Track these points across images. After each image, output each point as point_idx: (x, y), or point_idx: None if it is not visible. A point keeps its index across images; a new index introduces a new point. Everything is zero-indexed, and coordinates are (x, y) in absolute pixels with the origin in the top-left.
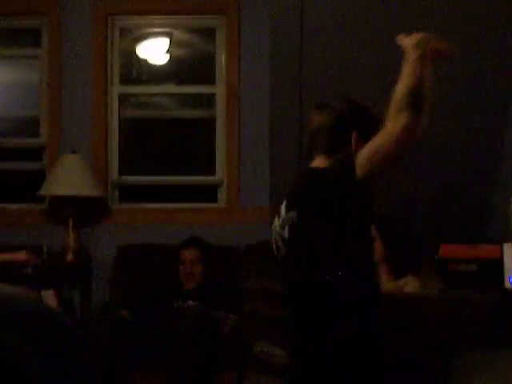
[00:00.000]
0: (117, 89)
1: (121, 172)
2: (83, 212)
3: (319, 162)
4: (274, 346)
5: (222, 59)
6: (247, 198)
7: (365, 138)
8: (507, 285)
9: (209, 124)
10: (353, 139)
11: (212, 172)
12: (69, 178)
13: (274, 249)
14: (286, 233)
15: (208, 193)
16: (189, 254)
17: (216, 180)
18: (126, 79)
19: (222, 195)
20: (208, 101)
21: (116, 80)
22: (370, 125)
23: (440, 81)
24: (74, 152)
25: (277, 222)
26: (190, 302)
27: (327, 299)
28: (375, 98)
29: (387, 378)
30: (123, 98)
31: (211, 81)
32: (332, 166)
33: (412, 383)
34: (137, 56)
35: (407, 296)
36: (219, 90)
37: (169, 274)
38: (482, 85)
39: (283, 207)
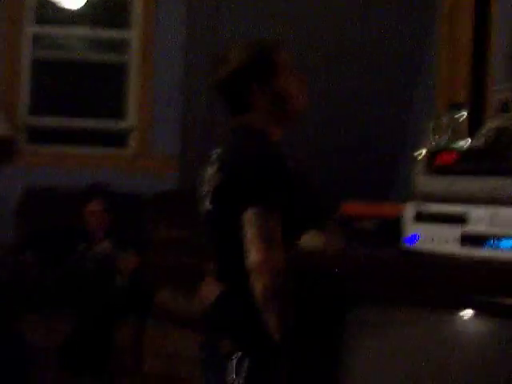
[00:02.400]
0: (31, 29)
1: (31, 113)
2: None
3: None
4: (177, 295)
5: (137, 3)
6: (158, 146)
7: (268, 84)
8: (404, 243)
9: (123, 68)
10: (253, 92)
11: (123, 117)
12: None
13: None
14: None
15: (118, 138)
16: (94, 207)
17: (127, 125)
18: (42, 19)
19: (133, 141)
20: (123, 45)
21: (31, 19)
22: (270, 67)
23: (352, 41)
24: None
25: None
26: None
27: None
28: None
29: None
30: (37, 39)
31: (126, 25)
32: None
33: (311, 336)
34: None
35: (311, 252)
36: (134, 35)
37: (75, 217)
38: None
39: (215, 164)
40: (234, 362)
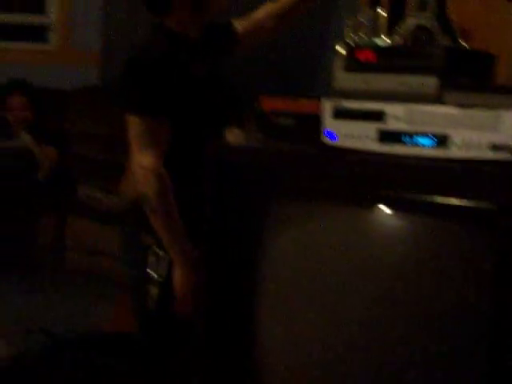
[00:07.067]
0: None
1: None
2: None
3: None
4: (96, 190)
5: None
6: (79, 40)
7: None
8: (324, 139)
9: None
10: None
11: (43, 11)
12: None
13: None
14: None
15: (39, 33)
16: (15, 102)
17: (47, 20)
18: None
19: (53, 36)
20: None
21: None
22: None
23: None
24: None
25: None
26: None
27: None
28: None
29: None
30: None
31: None
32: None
33: (230, 226)
34: None
35: (230, 147)
36: None
37: None
38: None
39: None
40: (155, 257)
